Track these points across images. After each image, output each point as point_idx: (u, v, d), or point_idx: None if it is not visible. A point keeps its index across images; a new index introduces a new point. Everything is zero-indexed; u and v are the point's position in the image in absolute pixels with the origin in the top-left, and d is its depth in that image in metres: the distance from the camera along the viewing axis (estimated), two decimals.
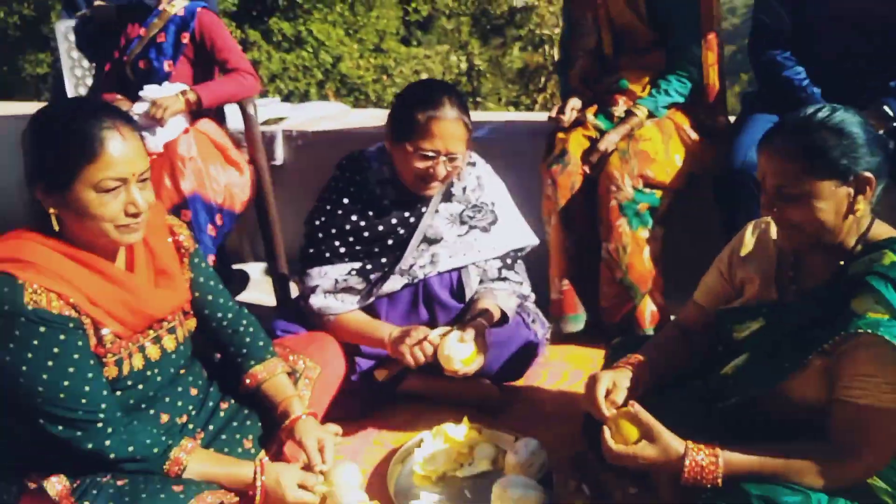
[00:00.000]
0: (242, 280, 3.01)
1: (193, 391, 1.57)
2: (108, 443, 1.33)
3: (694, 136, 2.28)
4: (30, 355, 1.27)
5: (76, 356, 1.31)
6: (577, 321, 2.34)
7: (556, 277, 2.35)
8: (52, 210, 1.33)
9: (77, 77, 2.67)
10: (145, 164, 1.37)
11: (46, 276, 1.30)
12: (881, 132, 1.96)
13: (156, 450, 1.37)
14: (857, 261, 1.36)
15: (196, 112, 2.54)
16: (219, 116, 2.74)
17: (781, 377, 1.40)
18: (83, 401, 1.31)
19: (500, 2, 15.47)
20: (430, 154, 1.86)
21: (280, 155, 3.00)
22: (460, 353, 1.80)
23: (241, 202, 2.61)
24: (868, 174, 1.32)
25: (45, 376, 1.28)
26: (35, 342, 1.27)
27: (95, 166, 1.30)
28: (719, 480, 1.35)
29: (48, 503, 1.30)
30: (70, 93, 2.66)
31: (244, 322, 1.68)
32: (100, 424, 1.32)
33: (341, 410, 1.87)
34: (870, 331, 1.25)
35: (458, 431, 1.86)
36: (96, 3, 2.68)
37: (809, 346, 1.35)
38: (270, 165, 2.83)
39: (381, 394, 2.03)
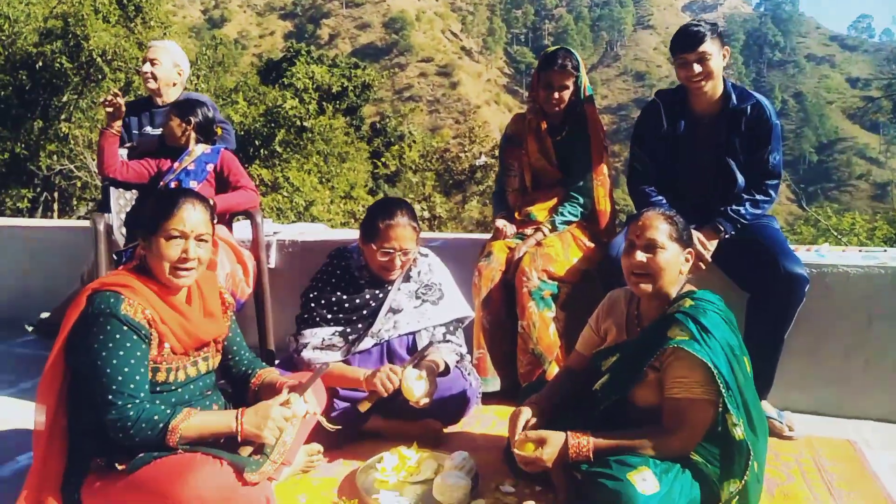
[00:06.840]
0: None
1: (215, 407, 2.16)
2: (131, 413, 1.80)
3: (589, 243, 3.10)
4: (111, 345, 1.81)
5: (138, 353, 1.86)
6: (486, 383, 2.98)
7: (474, 347, 3.03)
8: (142, 251, 1.98)
9: (120, 206, 3.44)
10: (204, 229, 1.98)
11: (137, 297, 1.90)
12: (714, 241, 2.80)
13: (156, 416, 1.82)
14: (671, 306, 2.11)
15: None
16: (229, 227, 3.49)
17: (629, 386, 2.10)
18: (131, 385, 1.82)
19: (461, 160, 17.05)
20: (389, 251, 2.59)
21: (273, 259, 3.69)
22: (417, 385, 2.42)
23: (246, 295, 3.31)
24: (691, 250, 2.12)
25: (114, 361, 1.81)
26: (118, 336, 1.82)
27: (169, 221, 1.93)
28: (591, 454, 1.99)
29: (108, 478, 1.84)
30: (113, 207, 3.41)
31: (253, 357, 2.33)
32: (137, 401, 1.82)
33: (322, 441, 2.43)
34: (677, 346, 1.97)
35: (409, 452, 2.44)
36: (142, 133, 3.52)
37: (643, 362, 2.06)
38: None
39: (352, 429, 2.61)
